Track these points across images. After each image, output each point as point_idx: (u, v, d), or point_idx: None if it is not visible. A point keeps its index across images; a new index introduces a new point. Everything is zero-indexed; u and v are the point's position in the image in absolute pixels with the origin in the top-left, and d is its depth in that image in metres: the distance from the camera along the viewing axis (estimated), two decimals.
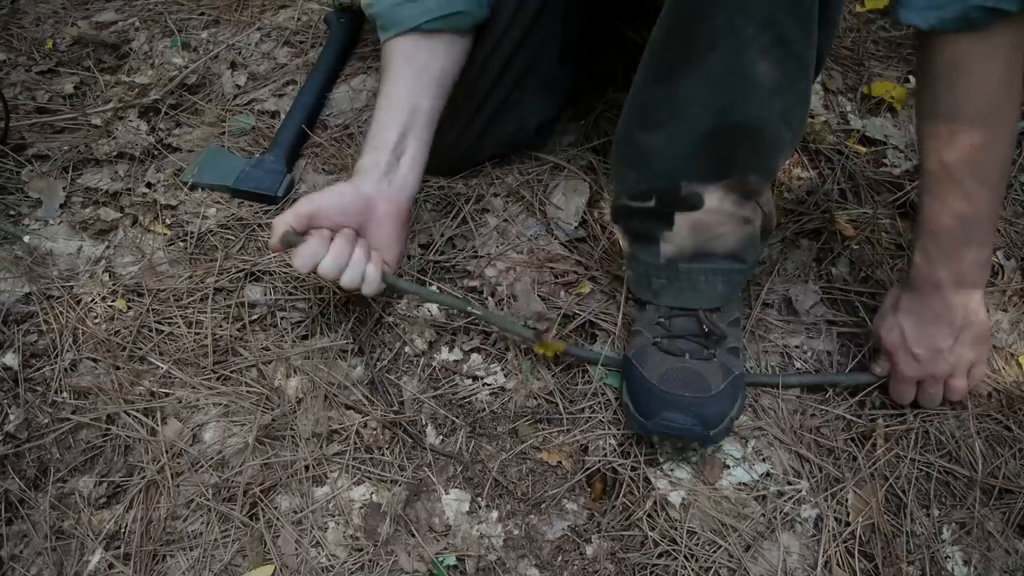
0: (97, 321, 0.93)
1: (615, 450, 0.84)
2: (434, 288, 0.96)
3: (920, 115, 0.76)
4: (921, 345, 0.80)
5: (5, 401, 0.86)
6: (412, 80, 0.87)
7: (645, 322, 0.86)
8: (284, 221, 0.79)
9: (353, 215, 0.82)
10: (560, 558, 0.79)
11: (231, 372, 0.90)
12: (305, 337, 0.93)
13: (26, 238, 1.01)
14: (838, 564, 0.77)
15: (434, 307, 0.95)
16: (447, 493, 0.82)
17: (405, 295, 0.95)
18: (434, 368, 0.91)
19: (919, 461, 0.84)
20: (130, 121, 1.16)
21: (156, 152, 1.13)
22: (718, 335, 0.83)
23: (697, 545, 0.78)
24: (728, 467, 0.84)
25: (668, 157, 0.77)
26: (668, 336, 0.83)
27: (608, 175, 1.08)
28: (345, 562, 0.77)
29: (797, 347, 0.94)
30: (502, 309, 0.95)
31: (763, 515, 0.80)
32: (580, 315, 0.94)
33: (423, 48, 0.88)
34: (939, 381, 0.83)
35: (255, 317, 0.95)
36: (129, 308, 0.95)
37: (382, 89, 0.88)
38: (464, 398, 0.89)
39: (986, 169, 0.73)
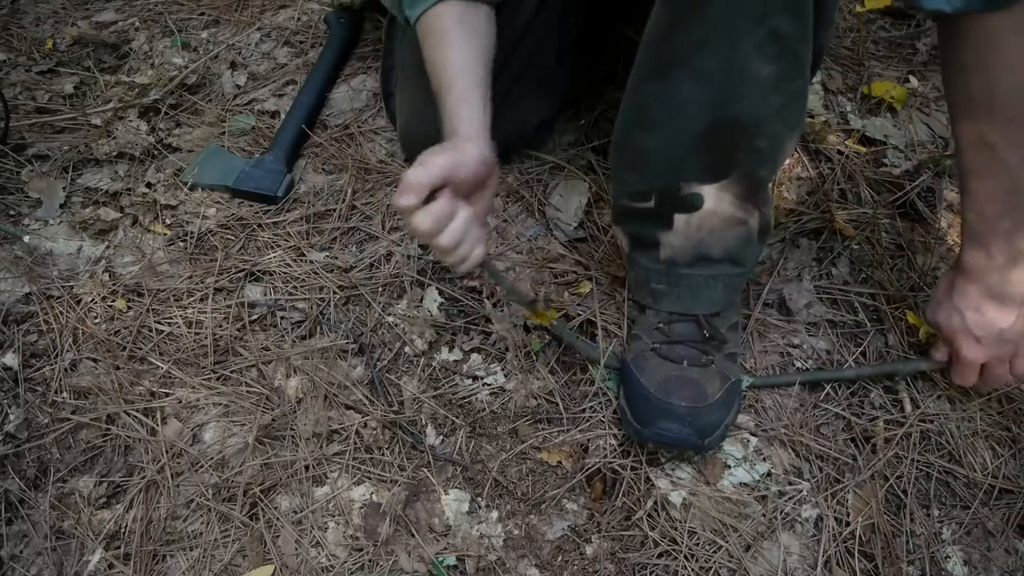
0: (97, 321, 0.93)
1: (615, 450, 0.84)
2: (510, 279, 0.93)
3: (954, 101, 0.75)
4: (982, 328, 0.79)
5: (5, 401, 0.86)
6: (471, 40, 0.80)
7: (644, 327, 0.86)
8: (420, 183, 0.66)
9: (475, 181, 0.73)
10: (560, 558, 0.79)
11: (231, 372, 0.90)
12: (305, 337, 0.93)
13: (26, 238, 1.01)
14: (838, 564, 0.77)
15: (434, 307, 0.95)
16: (447, 493, 0.82)
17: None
18: (434, 368, 0.91)
19: (919, 461, 0.84)
20: (130, 121, 1.16)
21: (156, 152, 1.13)
22: (719, 340, 0.83)
23: (697, 545, 0.78)
24: (729, 467, 0.83)
25: (666, 156, 0.77)
26: (667, 342, 0.83)
27: (608, 176, 1.08)
28: (345, 562, 0.77)
29: (797, 346, 0.94)
30: (501, 310, 0.95)
31: (764, 515, 0.80)
32: (580, 315, 0.94)
33: (468, 12, 0.81)
34: (1004, 362, 0.81)
35: (255, 317, 0.95)
36: (129, 308, 0.95)
37: (443, 54, 0.79)
38: (464, 398, 0.89)
39: None
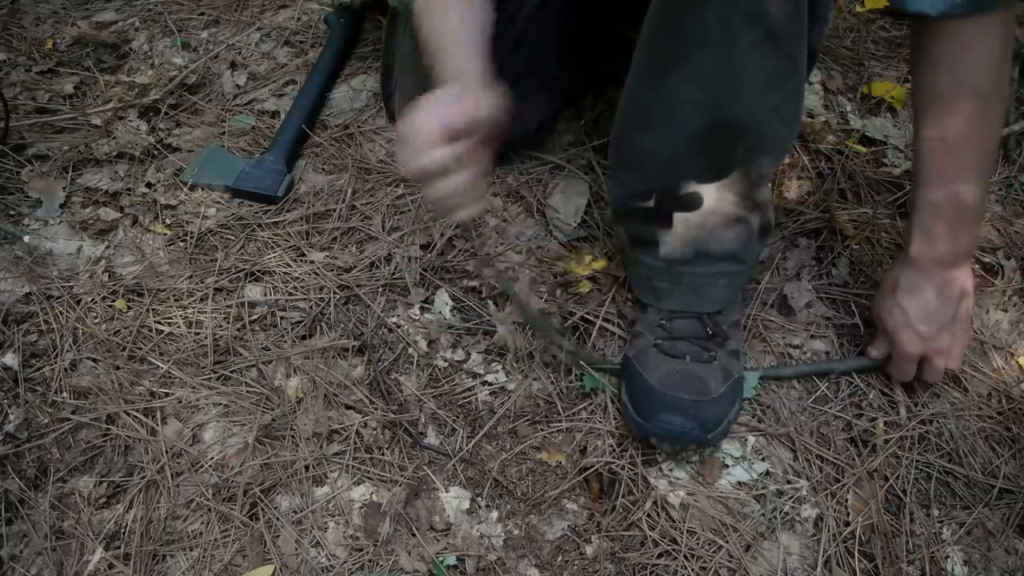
0: (97, 321, 0.93)
1: (614, 450, 0.84)
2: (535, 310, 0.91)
3: (920, 98, 0.77)
4: (925, 322, 0.81)
5: (5, 401, 0.86)
6: (468, 8, 0.74)
7: (646, 324, 0.86)
8: (428, 141, 0.62)
9: (488, 131, 0.66)
10: (560, 558, 0.79)
11: (231, 372, 0.90)
12: (305, 337, 0.93)
13: (26, 238, 1.02)
14: (838, 564, 0.77)
15: (446, 309, 0.95)
16: (447, 492, 0.82)
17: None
18: (435, 368, 0.91)
19: (919, 461, 0.84)
20: (130, 121, 1.16)
21: (156, 152, 1.13)
22: (721, 336, 0.83)
23: (697, 545, 0.78)
24: (727, 466, 0.83)
25: (664, 156, 0.77)
26: (669, 338, 0.83)
27: (608, 175, 1.08)
28: (345, 562, 0.77)
29: (797, 347, 0.94)
30: (501, 310, 0.95)
31: (763, 515, 0.80)
32: (578, 315, 0.94)
33: None
34: (942, 354, 0.83)
35: (255, 317, 0.95)
36: (129, 308, 0.95)
37: (441, 21, 0.74)
38: (464, 398, 0.89)
39: (983, 142, 0.76)
